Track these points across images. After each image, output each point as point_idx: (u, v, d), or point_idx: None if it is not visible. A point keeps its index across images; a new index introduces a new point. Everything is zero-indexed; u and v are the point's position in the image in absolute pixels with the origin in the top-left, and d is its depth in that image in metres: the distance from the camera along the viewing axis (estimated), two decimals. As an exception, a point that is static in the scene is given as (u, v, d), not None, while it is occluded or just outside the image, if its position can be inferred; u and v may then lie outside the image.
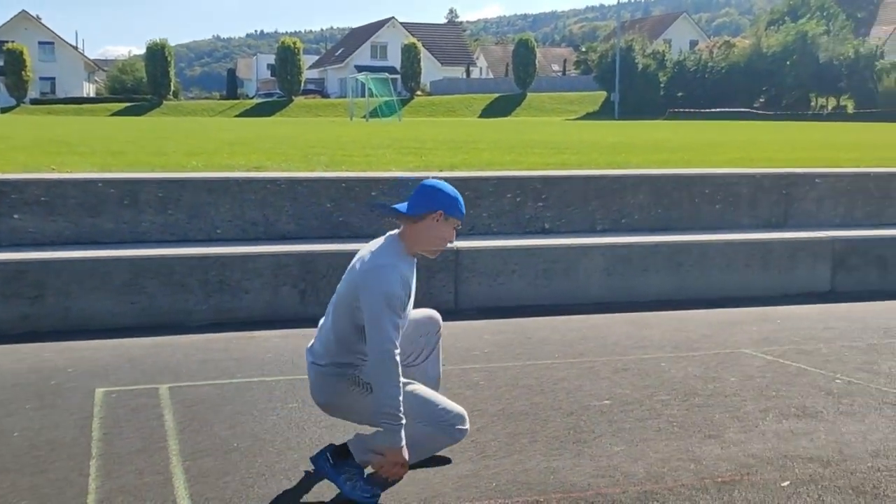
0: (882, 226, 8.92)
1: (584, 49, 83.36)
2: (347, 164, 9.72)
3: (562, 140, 17.40)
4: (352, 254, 3.88)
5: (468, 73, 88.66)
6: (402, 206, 3.73)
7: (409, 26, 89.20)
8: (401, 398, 3.51)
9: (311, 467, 3.78)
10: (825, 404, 4.91)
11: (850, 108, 60.59)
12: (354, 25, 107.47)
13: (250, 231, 7.46)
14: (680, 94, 64.51)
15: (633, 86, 62.96)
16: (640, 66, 65.16)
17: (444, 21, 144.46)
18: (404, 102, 61.35)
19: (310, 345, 3.92)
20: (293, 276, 6.82)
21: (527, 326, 6.65)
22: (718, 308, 7.35)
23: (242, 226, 7.45)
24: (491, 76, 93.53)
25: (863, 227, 8.84)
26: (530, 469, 3.96)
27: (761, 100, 64.51)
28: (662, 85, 65.79)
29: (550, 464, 4.03)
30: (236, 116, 58.31)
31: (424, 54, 76.40)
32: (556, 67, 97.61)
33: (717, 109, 54.93)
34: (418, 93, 73.05)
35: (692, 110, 56.11)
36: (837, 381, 5.36)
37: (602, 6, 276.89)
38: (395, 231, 3.80)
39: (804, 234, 8.25)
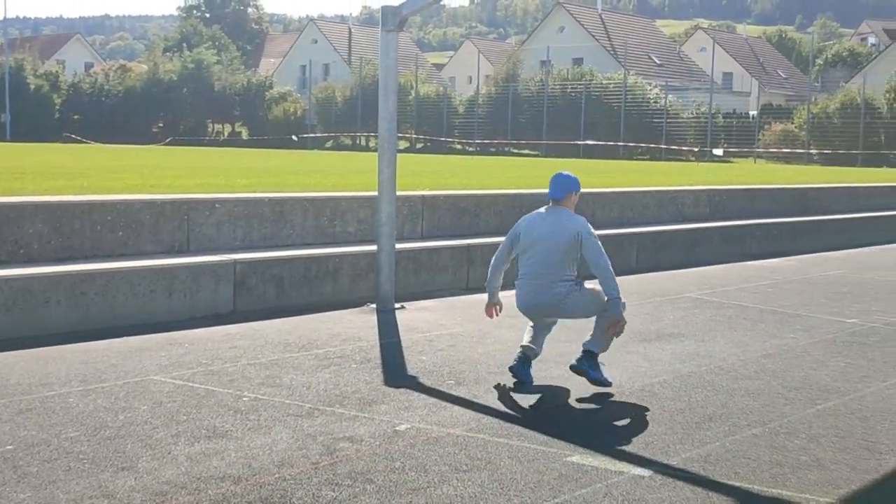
0: (277, 247, 9.52)
1: (-33, 66, 76.79)
2: None
3: (-55, 164, 15.88)
4: None
5: None
6: (552, 194, 6.10)
7: None
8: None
9: None
10: (234, 422, 5.12)
11: (245, 135, 63.71)
12: None
13: None
14: (77, 116, 62.59)
15: (26, 107, 59.63)
16: (32, 87, 61.99)
17: None
18: None
19: (525, 278, 6.09)
20: None
21: (-89, 374, 5.95)
22: (126, 336, 7.26)
23: None
24: None
25: (260, 248, 9.36)
26: (-78, 534, 3.57)
27: (160, 125, 65.11)
28: (58, 107, 63.35)
29: (-54, 524, 3.67)
30: None
31: None
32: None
33: (118, 141, 54.14)
34: None
35: (86, 138, 54.56)
36: (244, 398, 5.62)
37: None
38: (553, 205, 6.11)
39: (206, 258, 8.51)
